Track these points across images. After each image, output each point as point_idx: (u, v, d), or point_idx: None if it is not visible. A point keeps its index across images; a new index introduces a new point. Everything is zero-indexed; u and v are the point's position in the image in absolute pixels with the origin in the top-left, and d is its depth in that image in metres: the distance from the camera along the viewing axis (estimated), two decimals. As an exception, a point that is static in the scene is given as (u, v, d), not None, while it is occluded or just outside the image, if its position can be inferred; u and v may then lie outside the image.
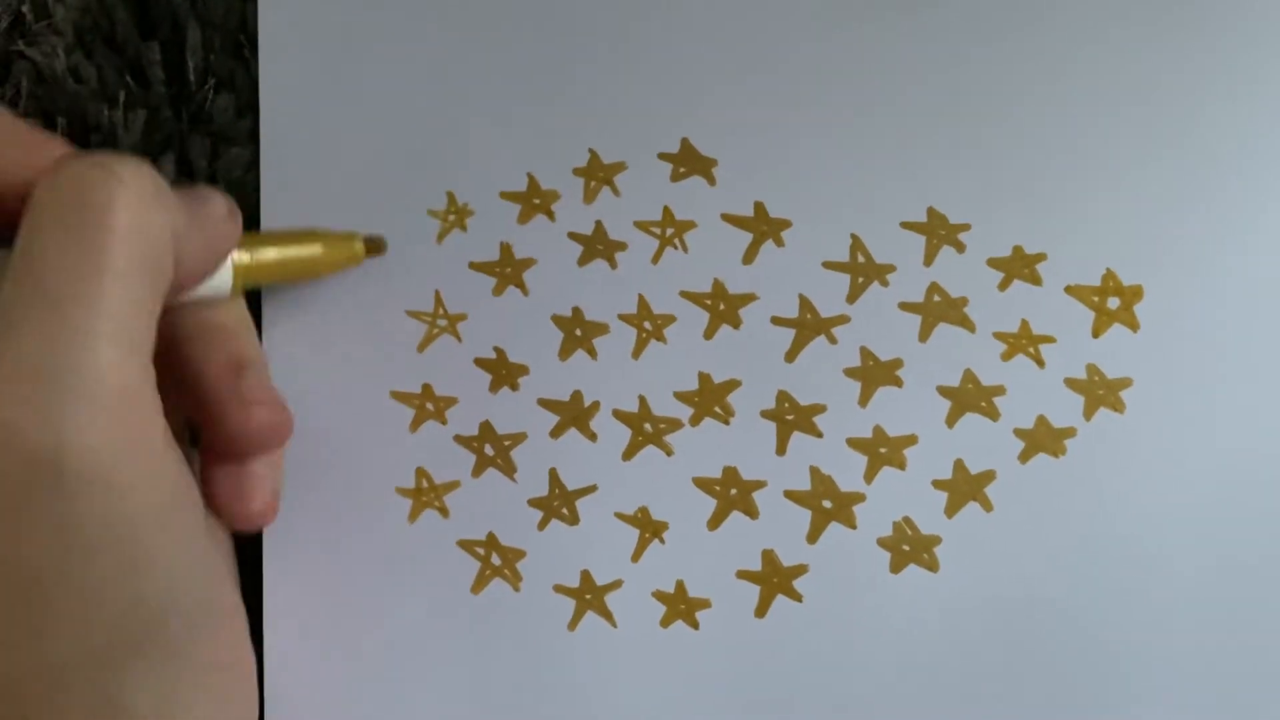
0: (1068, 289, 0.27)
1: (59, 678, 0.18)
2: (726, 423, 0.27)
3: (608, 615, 0.27)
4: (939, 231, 0.27)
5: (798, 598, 0.27)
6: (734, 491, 0.27)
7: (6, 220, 0.20)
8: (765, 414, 0.27)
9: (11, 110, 0.27)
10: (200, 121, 0.28)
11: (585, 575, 0.27)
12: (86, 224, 0.18)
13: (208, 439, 0.24)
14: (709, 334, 0.27)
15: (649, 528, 0.27)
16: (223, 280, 0.23)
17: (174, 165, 0.28)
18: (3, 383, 0.17)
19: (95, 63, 0.28)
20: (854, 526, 0.27)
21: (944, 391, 0.27)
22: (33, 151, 0.20)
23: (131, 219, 0.18)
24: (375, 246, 0.27)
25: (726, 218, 0.28)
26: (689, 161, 0.28)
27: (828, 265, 0.27)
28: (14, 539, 0.17)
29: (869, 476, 0.27)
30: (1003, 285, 0.27)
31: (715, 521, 0.27)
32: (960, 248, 0.27)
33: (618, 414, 0.27)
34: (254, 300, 0.27)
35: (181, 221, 0.20)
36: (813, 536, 0.27)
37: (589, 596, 0.27)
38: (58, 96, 0.28)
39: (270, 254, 0.25)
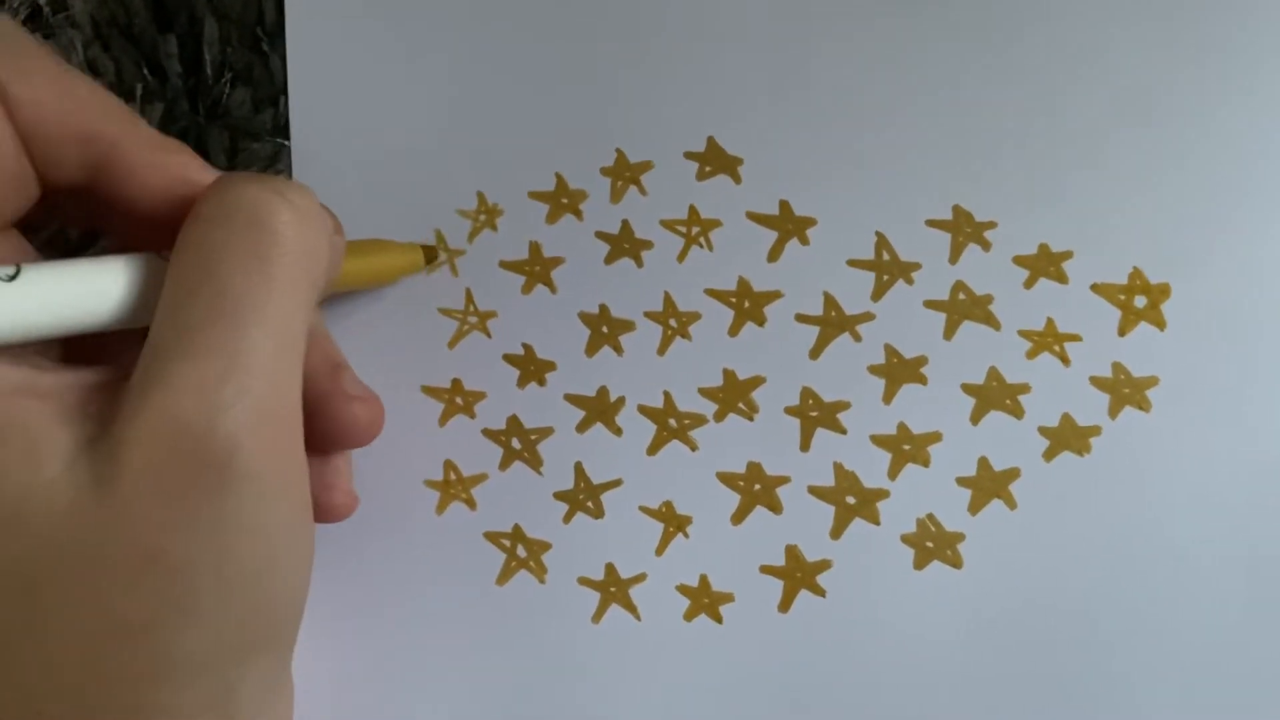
0: (1094, 287, 0.27)
1: (188, 666, 0.19)
2: (751, 419, 0.27)
3: (632, 608, 0.27)
4: (965, 229, 0.27)
5: (821, 593, 0.27)
6: (758, 487, 0.27)
7: (136, 223, 0.21)
8: (789, 410, 0.27)
9: None
10: (217, 115, 0.29)
11: (610, 568, 0.27)
12: (263, 245, 0.19)
13: (310, 434, 0.25)
14: (734, 331, 0.28)
15: (673, 522, 0.27)
16: None
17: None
18: (182, 390, 0.18)
19: (113, 56, 0.29)
20: (878, 523, 0.27)
21: (969, 389, 0.27)
22: (171, 158, 0.21)
23: (299, 241, 0.20)
24: (433, 255, 0.28)
25: (752, 216, 0.28)
26: (715, 160, 0.28)
27: (853, 263, 0.27)
28: (173, 530, 0.18)
29: (893, 473, 0.27)
30: (1028, 283, 0.27)
31: (739, 516, 0.27)
32: (986, 245, 0.27)
33: (643, 409, 0.28)
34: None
35: (330, 237, 0.21)
36: (836, 532, 0.27)
37: (613, 589, 0.27)
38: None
39: (347, 265, 0.25)
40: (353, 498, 0.26)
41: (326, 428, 0.24)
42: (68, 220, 0.27)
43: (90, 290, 0.20)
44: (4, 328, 0.18)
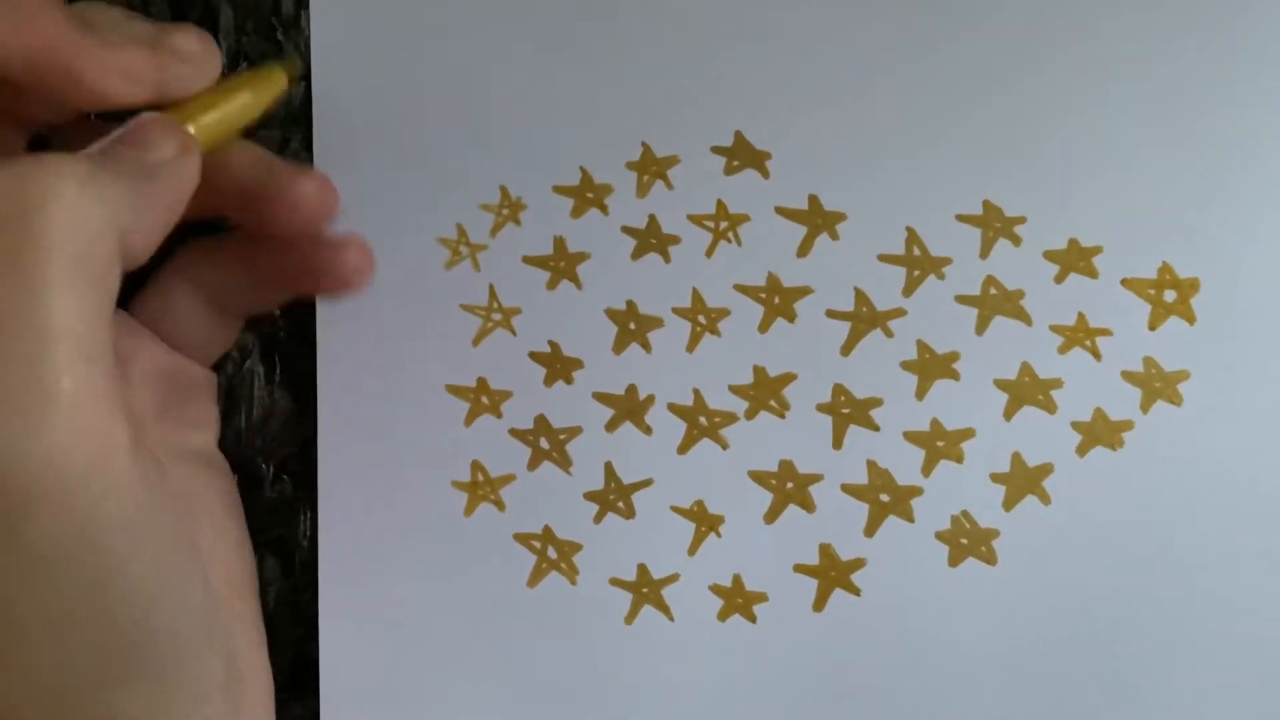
0: (1124, 282, 0.27)
1: (56, 701, 0.18)
2: (782, 416, 0.27)
3: (664, 609, 0.27)
4: (995, 224, 0.27)
5: (855, 591, 0.27)
6: (790, 485, 0.27)
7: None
8: (821, 407, 0.27)
9: None
10: (232, 104, 0.28)
11: (642, 569, 0.27)
12: (19, 242, 0.18)
13: (266, 229, 0.24)
14: (763, 327, 0.27)
15: (705, 521, 0.27)
16: None
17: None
18: None
19: (128, 44, 0.28)
20: (912, 520, 0.27)
21: (1001, 385, 0.27)
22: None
23: (65, 228, 0.18)
24: (292, 70, 0.26)
25: (780, 211, 0.27)
26: (742, 154, 0.28)
27: (883, 258, 0.27)
28: None
29: (926, 470, 0.27)
30: (1059, 278, 0.27)
31: (772, 515, 0.27)
32: (1016, 240, 0.27)
33: (672, 407, 0.27)
34: (309, 300, 0.27)
35: (127, 204, 0.19)
36: (870, 530, 0.27)
37: (646, 590, 0.27)
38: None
39: (211, 117, 0.23)
40: (368, 264, 0.25)
41: (281, 214, 0.23)
42: None
43: None
44: None
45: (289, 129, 0.28)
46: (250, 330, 0.28)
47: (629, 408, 0.27)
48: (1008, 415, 0.27)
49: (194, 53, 0.22)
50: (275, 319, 0.28)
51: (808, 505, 0.27)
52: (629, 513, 0.27)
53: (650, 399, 0.27)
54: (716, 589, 0.27)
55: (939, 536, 0.27)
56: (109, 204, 0.19)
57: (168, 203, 0.21)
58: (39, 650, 0.18)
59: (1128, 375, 0.27)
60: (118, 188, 0.19)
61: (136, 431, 0.19)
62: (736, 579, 0.27)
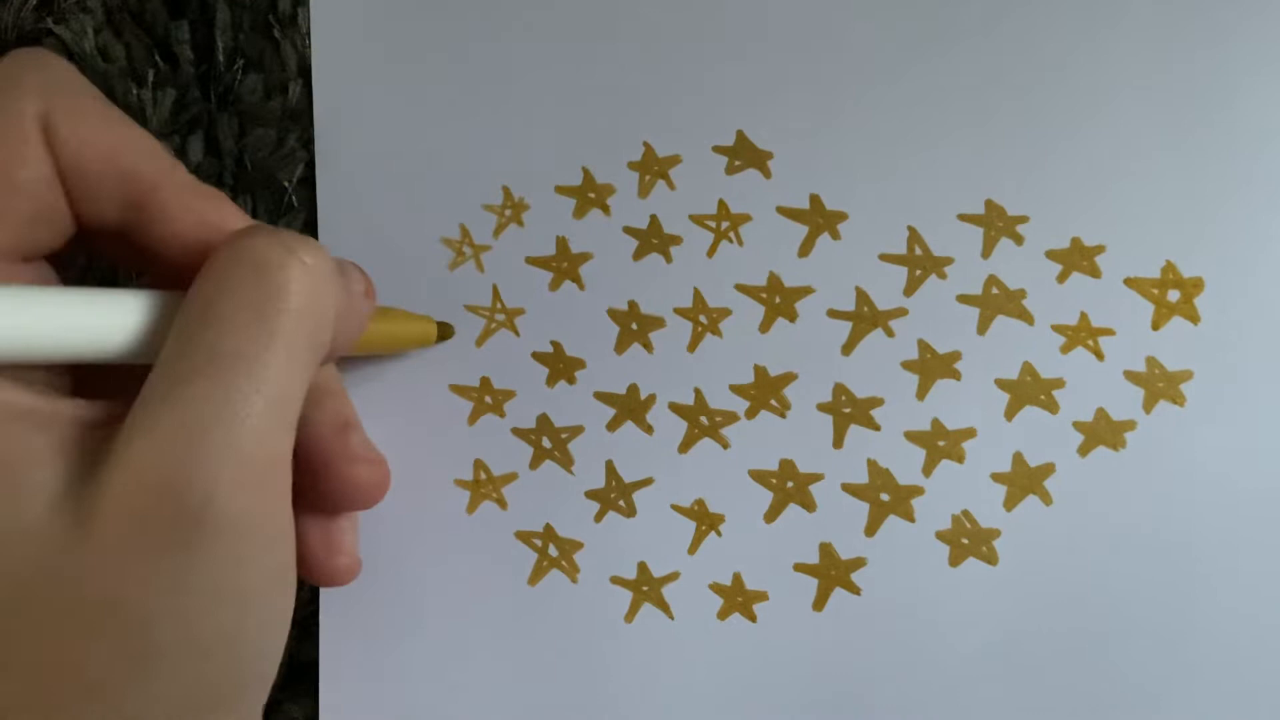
0: (1127, 281, 0.27)
1: None
2: (783, 416, 0.27)
3: (665, 607, 0.27)
4: (997, 223, 0.27)
5: (856, 591, 0.27)
6: (791, 484, 0.27)
7: (167, 264, 0.21)
8: (822, 407, 0.27)
9: None
10: (229, 101, 0.28)
11: (642, 567, 0.27)
12: (265, 300, 0.19)
13: (302, 495, 0.24)
14: (765, 327, 0.27)
15: (706, 520, 0.27)
16: None
17: (202, 145, 0.28)
18: (165, 440, 0.18)
19: (124, 41, 0.28)
20: (912, 520, 0.27)
21: (1002, 384, 0.27)
22: (203, 203, 0.21)
23: (305, 300, 0.19)
24: (446, 331, 0.27)
25: (782, 210, 0.28)
26: (744, 154, 0.28)
27: (884, 258, 0.27)
28: (139, 583, 0.18)
29: (927, 470, 0.27)
30: (1061, 277, 0.27)
31: (772, 514, 0.27)
32: (1019, 240, 0.27)
33: (674, 407, 0.27)
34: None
35: (343, 301, 0.21)
36: (871, 529, 0.27)
37: (646, 588, 0.27)
38: (87, 75, 0.28)
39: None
40: (355, 561, 0.25)
41: (330, 488, 0.24)
42: (106, 258, 0.27)
43: (98, 319, 0.19)
44: (7, 342, 0.18)
45: (286, 124, 0.28)
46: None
47: (630, 407, 0.27)
48: (1009, 415, 0.27)
49: (359, 294, 0.23)
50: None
51: (808, 504, 0.27)
52: (630, 511, 0.27)
53: (652, 398, 0.27)
54: (717, 588, 0.27)
55: (940, 536, 0.27)
56: (337, 292, 0.21)
57: (357, 322, 0.23)
58: (159, 672, 0.18)
59: (1130, 375, 0.27)
60: (339, 286, 0.21)
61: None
62: (737, 578, 0.27)
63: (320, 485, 0.24)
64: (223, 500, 0.18)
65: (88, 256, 0.28)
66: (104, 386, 0.21)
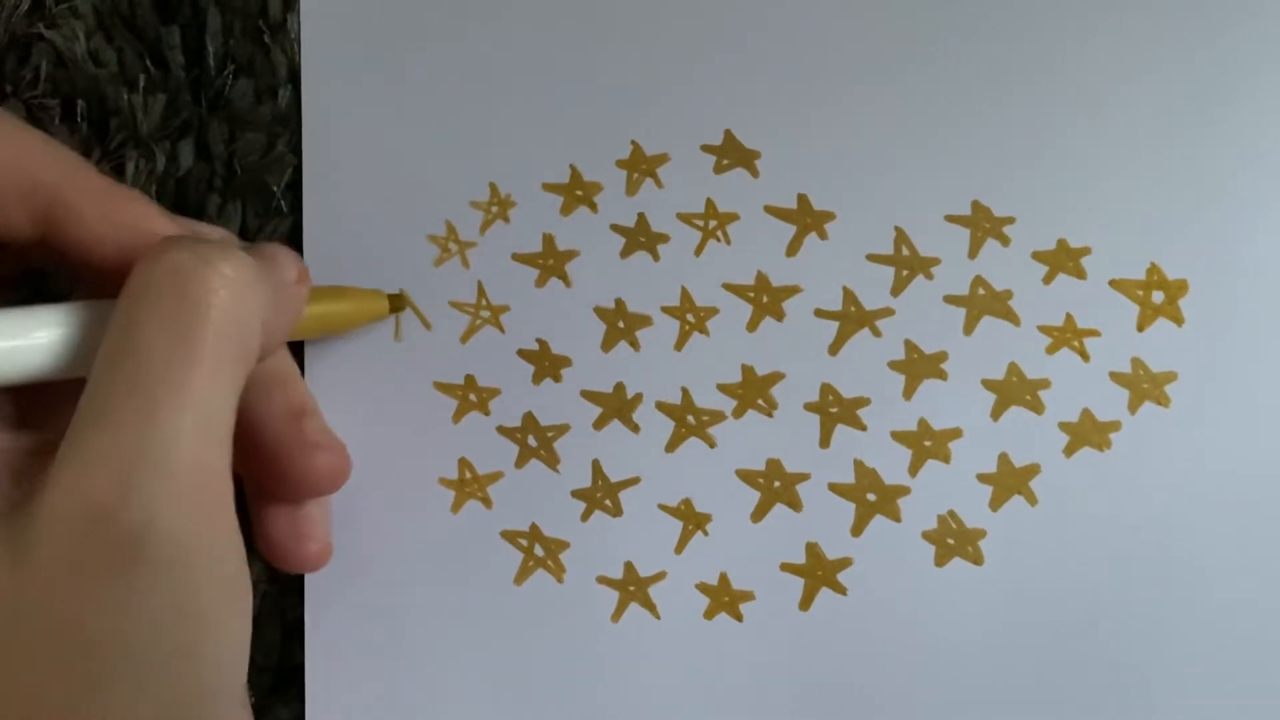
0: (1112, 283, 0.27)
1: None
2: (770, 415, 0.27)
3: (651, 607, 0.27)
4: (984, 224, 0.27)
5: (842, 590, 0.27)
6: (777, 484, 0.27)
7: (89, 272, 0.21)
8: (809, 406, 0.27)
9: (30, 92, 0.28)
10: (219, 106, 0.28)
11: (628, 567, 0.27)
12: (184, 317, 0.19)
13: (264, 485, 0.24)
14: (752, 326, 0.27)
15: (692, 520, 0.27)
16: None
17: (193, 150, 0.28)
18: (99, 455, 0.18)
19: (115, 46, 0.28)
20: (898, 519, 0.27)
21: (989, 385, 0.27)
22: (119, 206, 0.21)
23: (227, 313, 0.19)
24: (399, 303, 0.27)
25: (770, 210, 0.27)
26: (732, 153, 0.28)
27: (872, 258, 0.27)
28: (85, 608, 0.18)
29: (913, 470, 0.27)
30: (1047, 279, 0.27)
31: (759, 514, 0.27)
32: (1005, 241, 0.27)
33: (660, 406, 0.27)
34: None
35: (270, 304, 0.21)
36: (857, 529, 0.27)
37: (632, 588, 0.27)
38: (78, 80, 0.28)
39: (309, 310, 0.24)
40: (326, 547, 0.25)
41: (289, 476, 0.24)
42: (37, 270, 0.27)
43: (18, 339, 0.19)
44: None
45: (276, 129, 0.28)
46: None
47: (617, 406, 0.27)
48: (995, 415, 0.27)
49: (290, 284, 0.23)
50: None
51: (795, 504, 0.27)
52: (616, 511, 0.27)
53: (638, 397, 0.27)
54: (703, 587, 0.27)
55: (926, 536, 0.27)
56: (262, 299, 0.20)
57: (288, 314, 0.23)
58: (113, 694, 0.18)
59: (1115, 376, 0.27)
60: (265, 288, 0.20)
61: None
62: (723, 577, 0.27)
63: (279, 474, 0.24)
64: (159, 520, 0.18)
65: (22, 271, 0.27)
66: (36, 417, 0.21)
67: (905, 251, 0.27)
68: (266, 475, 0.24)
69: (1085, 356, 0.27)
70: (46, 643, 0.18)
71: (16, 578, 0.17)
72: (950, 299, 0.27)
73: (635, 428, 0.27)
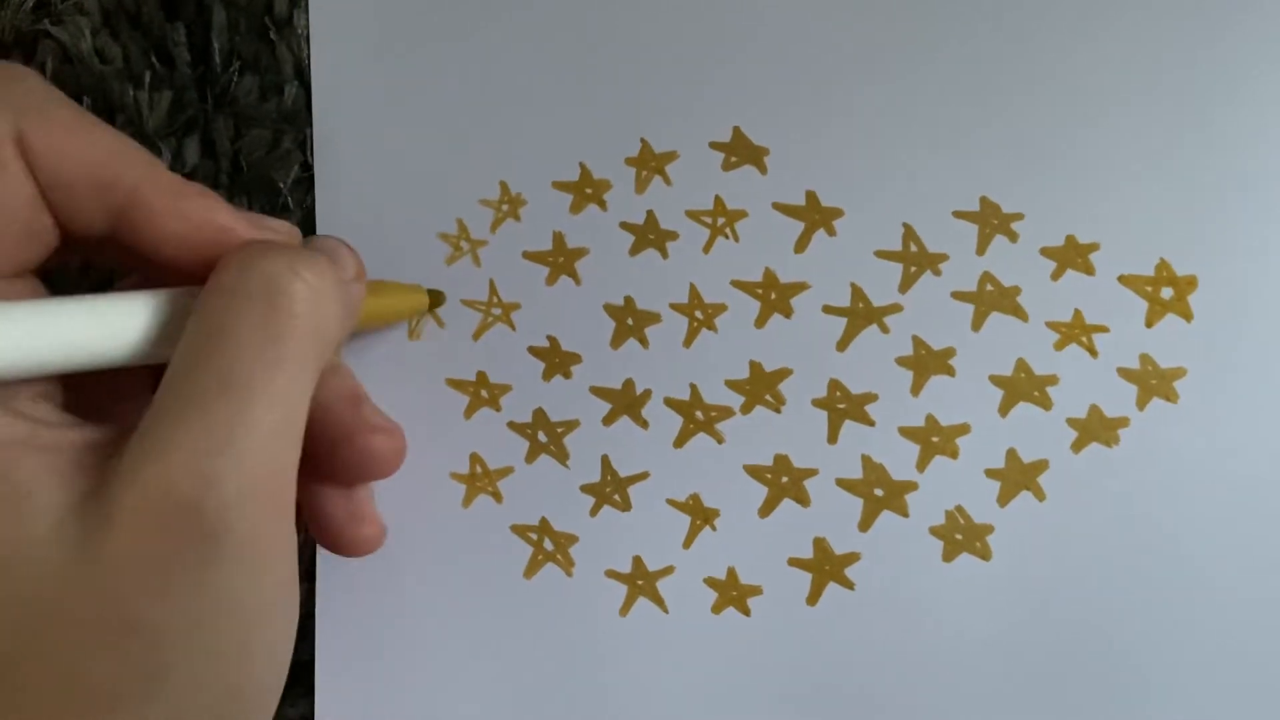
0: (1121, 278, 0.27)
1: None
2: (778, 411, 0.27)
3: (659, 601, 0.27)
4: (992, 220, 0.27)
5: (849, 586, 0.27)
6: (785, 479, 0.27)
7: (159, 264, 0.21)
8: (817, 402, 0.27)
9: None
10: (225, 103, 0.28)
11: (637, 561, 0.27)
12: (274, 323, 0.19)
13: (321, 469, 0.25)
14: (760, 323, 0.27)
15: (700, 514, 0.27)
16: None
17: (198, 146, 0.28)
18: (180, 459, 0.18)
19: (121, 43, 0.28)
20: (906, 515, 0.27)
21: (997, 381, 0.27)
22: (191, 202, 0.21)
23: (312, 320, 0.20)
24: (438, 298, 0.28)
25: (778, 206, 0.28)
26: (741, 150, 0.28)
27: (880, 254, 0.27)
28: (153, 599, 0.18)
29: (921, 465, 0.27)
30: (1056, 275, 0.27)
31: (767, 509, 0.27)
32: (1013, 237, 0.27)
33: (669, 402, 0.27)
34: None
35: (344, 306, 0.21)
36: (865, 525, 0.27)
37: (641, 582, 0.27)
38: (83, 77, 0.28)
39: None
40: (381, 529, 0.25)
41: (349, 459, 0.24)
42: (99, 263, 0.27)
43: (99, 327, 0.19)
44: (9, 359, 0.18)
45: (282, 126, 0.28)
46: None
47: (626, 402, 0.27)
48: (1003, 411, 0.27)
49: (351, 280, 0.24)
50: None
51: (803, 499, 0.27)
52: (625, 505, 0.27)
53: (647, 393, 0.27)
54: (711, 582, 0.27)
55: (933, 531, 0.27)
56: (341, 304, 0.21)
57: (354, 310, 0.23)
58: (169, 683, 0.18)
59: (1124, 372, 0.27)
60: (341, 293, 0.21)
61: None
62: (731, 572, 0.27)
63: (339, 457, 0.24)
64: (236, 517, 0.18)
65: (81, 261, 0.28)
66: (94, 408, 0.21)
67: (913, 248, 0.27)
68: (324, 458, 0.24)
69: (1093, 352, 0.27)
70: (112, 632, 0.18)
71: (87, 568, 0.18)
72: (958, 295, 0.27)
73: (644, 423, 0.27)
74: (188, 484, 0.18)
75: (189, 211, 0.21)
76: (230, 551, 0.18)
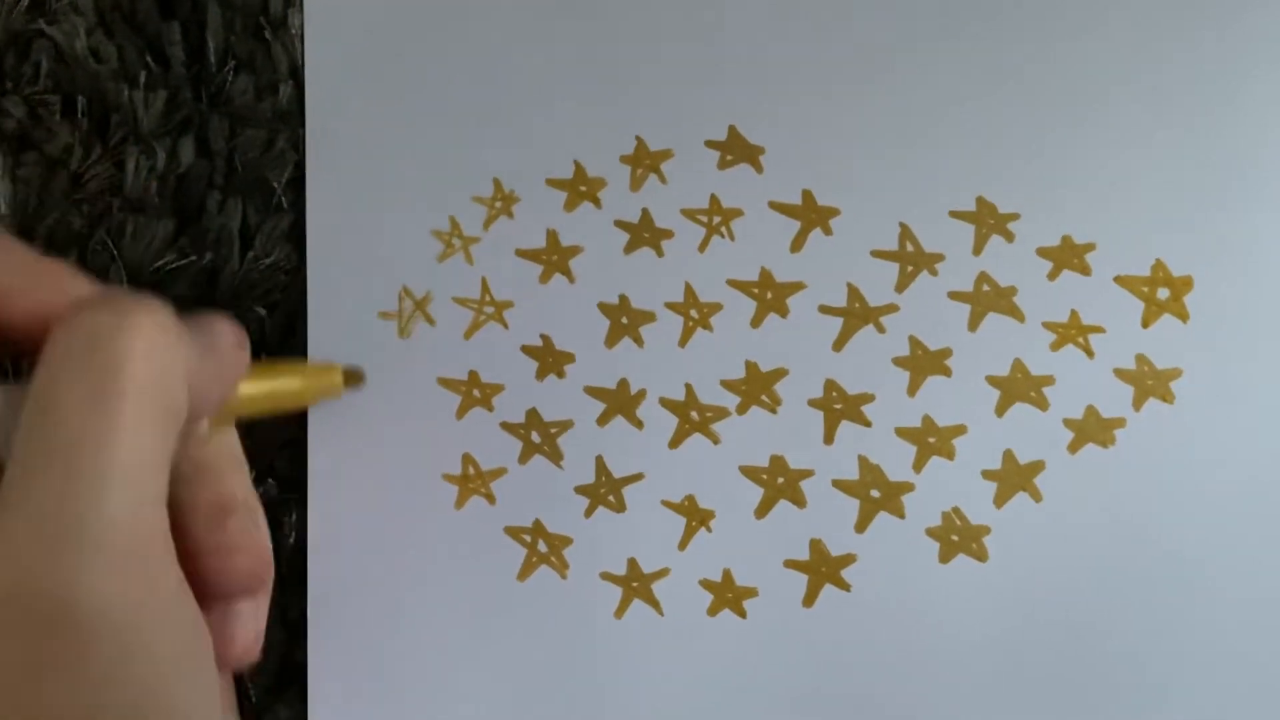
0: (1117, 279, 0.27)
1: None
2: (774, 411, 0.27)
3: (654, 603, 0.27)
4: (988, 221, 0.27)
5: (846, 587, 0.27)
6: (781, 480, 0.27)
7: (17, 349, 0.20)
8: (813, 403, 0.27)
9: (30, 89, 0.27)
10: (220, 102, 0.28)
11: (632, 563, 0.27)
12: (101, 376, 0.18)
13: (190, 580, 0.24)
14: (756, 322, 0.27)
15: (696, 516, 0.27)
16: None
17: (193, 146, 0.28)
18: (19, 534, 0.17)
19: (116, 42, 0.28)
20: (902, 516, 0.27)
21: (993, 381, 0.27)
22: (42, 280, 0.20)
23: (146, 368, 0.18)
24: (354, 378, 0.26)
25: (774, 206, 0.27)
26: (736, 149, 0.27)
27: (876, 254, 0.27)
28: (31, 688, 0.17)
29: (918, 466, 0.27)
30: (1052, 275, 0.27)
31: (763, 510, 0.27)
32: (1009, 237, 0.27)
33: (664, 402, 0.27)
34: (302, 290, 0.27)
35: (195, 359, 0.20)
36: (861, 526, 0.27)
37: (636, 584, 0.27)
38: (78, 76, 0.28)
39: (252, 388, 0.23)
40: (248, 649, 0.23)
41: (211, 578, 0.22)
42: None
43: None
44: None
45: (277, 125, 0.28)
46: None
47: (621, 402, 0.27)
48: (999, 412, 0.27)
49: (229, 348, 0.22)
50: (261, 317, 0.28)
51: (798, 500, 0.27)
52: (620, 507, 0.27)
53: (642, 393, 0.27)
54: (706, 584, 0.27)
55: (930, 533, 0.27)
56: (184, 352, 0.19)
57: (224, 378, 0.21)
58: None
59: (1120, 373, 0.27)
60: (190, 342, 0.20)
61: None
62: (726, 574, 0.27)
63: (195, 574, 0.22)
64: (91, 597, 0.17)
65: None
66: None
67: (910, 248, 0.27)
68: (191, 572, 0.22)
69: (1090, 353, 0.27)
70: None
71: None
72: (955, 295, 0.27)
73: (639, 424, 0.27)
74: (30, 573, 0.17)
75: (38, 290, 0.20)
76: (94, 632, 0.17)
